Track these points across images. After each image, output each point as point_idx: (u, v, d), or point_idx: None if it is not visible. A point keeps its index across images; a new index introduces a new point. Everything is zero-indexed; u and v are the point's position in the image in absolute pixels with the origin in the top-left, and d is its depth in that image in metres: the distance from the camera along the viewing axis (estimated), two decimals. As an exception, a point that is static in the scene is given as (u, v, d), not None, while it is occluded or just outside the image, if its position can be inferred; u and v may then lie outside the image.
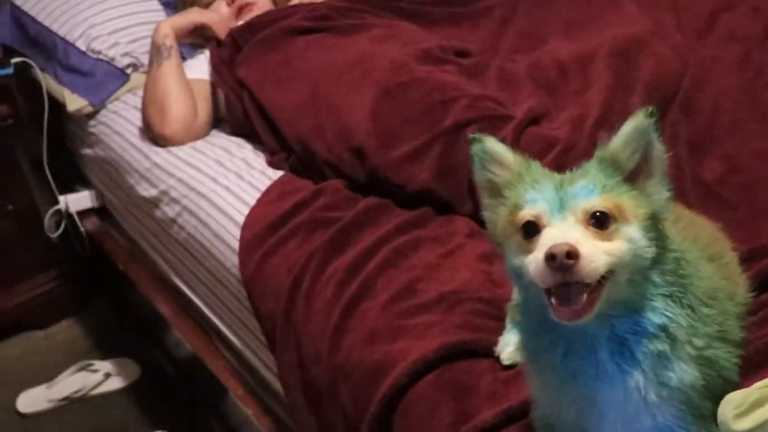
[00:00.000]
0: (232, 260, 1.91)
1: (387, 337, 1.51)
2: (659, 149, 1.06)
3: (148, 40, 2.46)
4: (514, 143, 1.74)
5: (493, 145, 1.11)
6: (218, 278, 2.01)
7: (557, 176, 1.06)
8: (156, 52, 2.37)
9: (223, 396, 2.26)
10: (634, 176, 1.06)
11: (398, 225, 1.76)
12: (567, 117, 1.86)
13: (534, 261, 1.00)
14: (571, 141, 1.75)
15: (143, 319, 2.79)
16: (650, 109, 1.04)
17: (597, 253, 0.99)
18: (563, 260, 0.96)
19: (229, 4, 2.55)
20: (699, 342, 1.08)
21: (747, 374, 1.17)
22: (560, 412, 1.14)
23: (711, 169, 1.72)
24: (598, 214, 1.01)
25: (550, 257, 0.97)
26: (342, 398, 1.52)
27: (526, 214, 1.03)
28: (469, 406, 1.34)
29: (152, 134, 2.35)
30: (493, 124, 1.80)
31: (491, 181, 1.11)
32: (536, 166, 1.09)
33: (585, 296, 0.99)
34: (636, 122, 1.05)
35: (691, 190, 1.67)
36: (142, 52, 2.60)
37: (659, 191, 1.07)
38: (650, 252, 1.03)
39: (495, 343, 1.42)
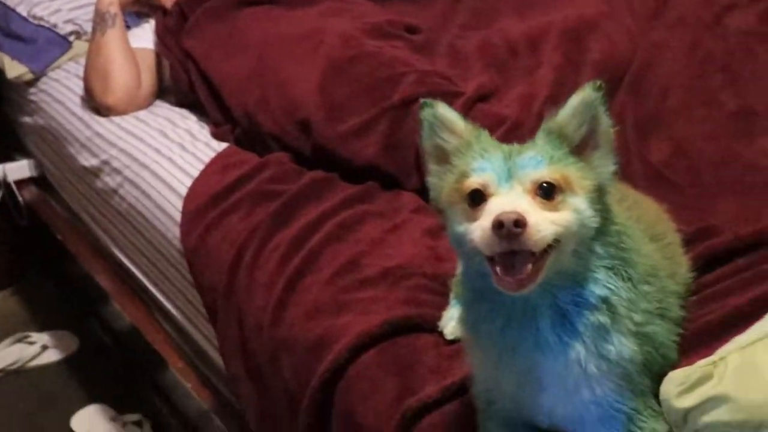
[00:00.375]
0: (174, 232, 1.88)
1: (330, 312, 1.49)
2: (606, 122, 1.07)
3: (92, 8, 2.41)
4: None
5: (444, 111, 1.11)
6: (159, 250, 1.98)
7: (506, 147, 1.06)
8: (100, 20, 2.32)
9: (163, 369, 2.23)
10: (580, 148, 1.06)
11: (344, 199, 1.74)
12: (516, 95, 1.86)
13: (480, 228, 0.99)
14: (519, 119, 1.75)
15: (82, 291, 2.75)
16: (598, 83, 1.05)
17: (544, 223, 0.99)
18: (511, 228, 0.96)
19: None
20: (638, 317, 1.09)
21: (688, 353, 1.19)
22: (500, 384, 1.14)
23: (658, 151, 1.74)
24: (545, 184, 1.01)
25: (498, 225, 0.97)
26: (284, 372, 1.51)
27: (474, 182, 1.03)
28: (412, 382, 1.34)
29: (94, 103, 2.30)
30: (442, 100, 1.79)
31: (440, 147, 1.10)
32: (485, 135, 1.09)
33: (530, 266, 0.99)
34: (583, 95, 1.05)
35: (638, 171, 1.68)
36: (85, 19, 2.55)
37: (605, 164, 1.07)
38: (595, 222, 1.04)
39: (439, 318, 1.42)
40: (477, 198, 1.02)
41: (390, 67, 1.90)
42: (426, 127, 1.11)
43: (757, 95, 1.83)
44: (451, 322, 1.39)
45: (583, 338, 1.06)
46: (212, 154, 2.01)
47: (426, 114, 1.11)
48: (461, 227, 1.04)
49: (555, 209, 1.01)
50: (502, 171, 1.02)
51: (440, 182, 1.10)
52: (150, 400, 2.43)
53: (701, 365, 1.08)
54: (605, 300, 1.07)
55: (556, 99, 1.72)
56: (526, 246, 0.98)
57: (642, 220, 1.24)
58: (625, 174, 1.45)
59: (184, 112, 2.25)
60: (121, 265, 2.24)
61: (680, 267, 1.29)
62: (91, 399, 2.43)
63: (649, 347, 1.11)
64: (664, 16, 2.17)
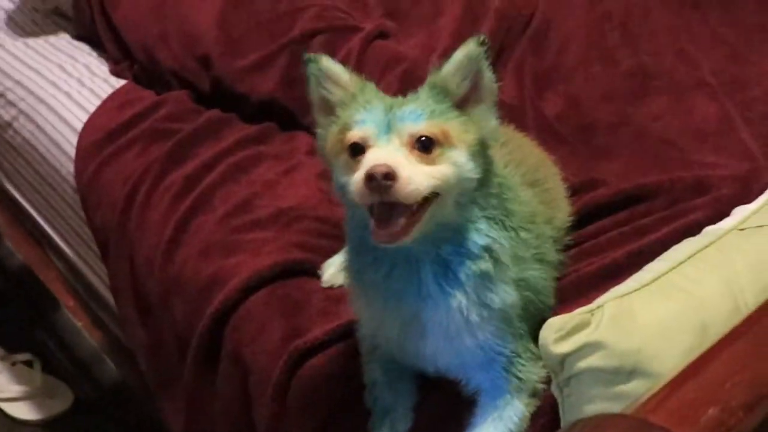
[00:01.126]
0: (68, 168, 1.85)
1: (221, 252, 1.49)
2: (489, 77, 1.08)
3: None
4: (360, 55, 1.75)
5: (329, 64, 1.11)
6: (53, 186, 1.94)
7: (389, 99, 1.07)
8: None
9: (55, 308, 2.20)
10: (463, 102, 1.08)
11: (239, 139, 1.73)
12: (416, 42, 1.87)
13: (355, 180, 1.01)
14: (417, 62, 1.76)
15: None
16: (482, 37, 1.06)
17: (418, 176, 1.00)
18: (381, 181, 0.98)
19: None
20: (518, 265, 1.12)
21: (566, 302, 1.23)
22: (384, 330, 1.17)
23: (553, 105, 1.76)
24: (423, 138, 1.03)
25: (369, 177, 0.99)
26: (174, 312, 1.51)
27: (354, 134, 1.04)
28: (299, 323, 1.36)
29: None
30: (341, 35, 1.80)
31: (325, 99, 1.12)
32: (371, 87, 1.10)
33: (403, 219, 1.01)
34: (467, 50, 1.07)
35: (531, 124, 1.70)
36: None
37: (488, 118, 1.09)
38: (475, 175, 1.06)
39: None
40: (357, 150, 1.04)
41: (290, 1, 1.88)
42: (312, 80, 1.12)
43: (651, 55, 1.88)
44: (329, 269, 1.41)
45: (465, 287, 1.10)
46: (110, 91, 1.96)
47: (311, 68, 1.12)
48: (343, 178, 1.06)
49: (433, 162, 1.03)
50: (382, 124, 1.03)
51: (325, 134, 1.11)
52: (41, 340, 2.39)
53: (579, 313, 1.11)
54: (487, 249, 1.09)
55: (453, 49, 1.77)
56: (397, 198, 1.00)
57: (523, 163, 1.27)
58: (519, 125, 1.49)
59: (84, 46, 2.18)
60: (13, 201, 2.18)
61: (559, 212, 1.33)
62: (-20, 337, 2.39)
63: (528, 292, 1.15)
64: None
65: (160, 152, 1.72)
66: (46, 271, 2.10)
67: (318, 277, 1.42)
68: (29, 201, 2.10)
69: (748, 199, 1.34)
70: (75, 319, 1.98)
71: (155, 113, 1.83)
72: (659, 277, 1.15)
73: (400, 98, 1.08)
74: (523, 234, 1.14)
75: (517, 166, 1.24)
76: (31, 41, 2.21)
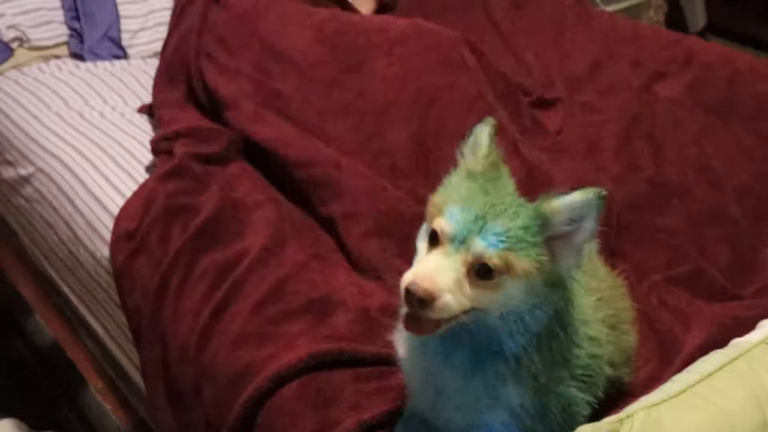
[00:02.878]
0: (103, 251, 1.88)
1: (254, 342, 1.51)
2: (592, 227, 1.07)
3: (39, 13, 2.40)
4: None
5: (481, 132, 1.13)
6: (87, 268, 1.98)
7: (492, 201, 1.07)
8: None
9: (82, 387, 2.21)
10: (555, 238, 1.08)
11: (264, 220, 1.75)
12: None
13: (404, 277, 1.04)
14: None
15: (2, 302, 2.70)
16: (604, 192, 1.05)
17: (454, 302, 1.04)
18: (414, 301, 1.02)
19: None
20: (544, 379, 1.14)
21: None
22: (415, 402, 1.23)
23: None
24: (484, 265, 1.04)
25: (407, 291, 1.02)
26: (204, 400, 1.52)
27: (439, 222, 1.07)
28: (330, 417, 1.37)
29: None
30: None
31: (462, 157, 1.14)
32: (494, 176, 1.10)
33: (434, 323, 1.06)
34: (586, 198, 1.05)
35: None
36: (28, 25, 2.54)
37: (570, 259, 1.09)
38: (527, 307, 1.08)
39: (361, 352, 1.45)
40: (434, 238, 1.07)
41: None
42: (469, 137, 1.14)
43: (675, 166, 1.93)
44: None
45: (486, 376, 1.13)
46: (146, 175, 2.00)
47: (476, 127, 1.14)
48: (418, 243, 1.10)
49: (486, 288, 1.05)
50: (463, 230, 1.05)
51: (442, 186, 1.13)
52: (66, 418, 2.40)
53: (609, 421, 1.14)
54: (516, 357, 1.12)
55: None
56: (427, 315, 1.04)
57: (597, 294, 1.27)
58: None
59: (127, 125, 2.22)
60: (47, 279, 2.22)
61: (626, 337, 1.33)
62: (5, 413, 2.40)
63: (555, 402, 1.17)
64: (594, 82, 2.26)
65: (185, 237, 1.73)
66: (75, 350, 2.13)
67: (350, 368, 1.44)
68: (63, 279, 2.14)
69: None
70: (103, 401, 1.99)
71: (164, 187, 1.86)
72: (687, 389, 1.18)
73: (506, 203, 1.07)
74: (571, 352, 1.16)
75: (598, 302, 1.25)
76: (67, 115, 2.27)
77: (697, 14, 3.79)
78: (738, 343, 1.29)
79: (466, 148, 1.13)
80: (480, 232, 1.04)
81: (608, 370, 1.26)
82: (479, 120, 1.14)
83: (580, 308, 1.19)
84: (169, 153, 1.97)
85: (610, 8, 3.46)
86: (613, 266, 1.44)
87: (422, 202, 1.15)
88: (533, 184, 1.65)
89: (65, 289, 2.13)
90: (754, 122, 2.08)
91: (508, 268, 1.05)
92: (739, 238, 1.75)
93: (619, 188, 1.85)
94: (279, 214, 1.77)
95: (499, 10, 2.64)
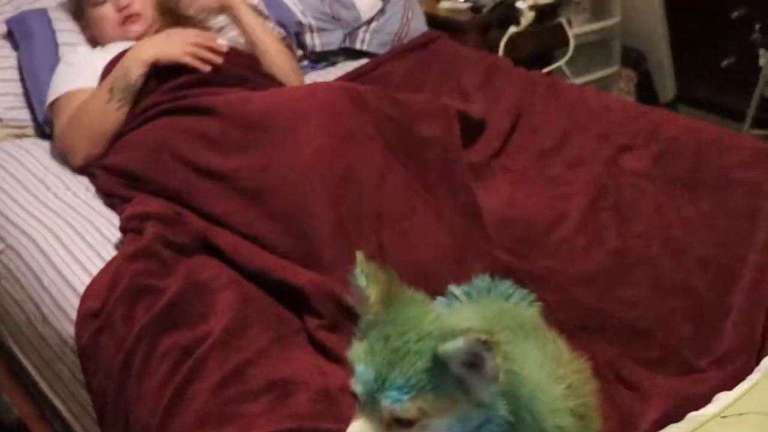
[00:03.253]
0: (69, 330, 1.86)
1: (216, 423, 1.50)
2: (492, 367, 1.05)
3: (8, 97, 2.48)
4: None
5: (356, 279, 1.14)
6: (52, 347, 1.96)
7: (390, 348, 1.08)
8: (123, 86, 2.32)
9: (48, 468, 2.18)
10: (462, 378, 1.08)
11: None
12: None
13: None
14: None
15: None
16: (484, 337, 1.04)
17: None
18: None
19: (117, 11, 2.53)
20: None
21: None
22: None
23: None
24: (399, 419, 1.07)
25: None
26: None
27: (351, 386, 1.11)
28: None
29: (64, 153, 2.37)
30: None
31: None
32: (385, 317, 1.11)
33: None
34: (469, 346, 1.04)
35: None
36: (2, 108, 2.59)
37: (486, 390, 1.08)
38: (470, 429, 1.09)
39: (321, 431, 1.45)
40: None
41: None
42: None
43: (638, 238, 1.94)
44: None
45: None
46: (114, 253, 1.99)
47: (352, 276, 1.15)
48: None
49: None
50: (369, 394, 1.08)
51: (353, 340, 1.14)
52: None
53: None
54: None
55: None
56: None
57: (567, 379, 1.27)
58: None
59: (97, 203, 2.23)
60: (14, 357, 2.20)
61: (593, 426, 1.31)
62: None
63: None
64: (563, 154, 2.29)
65: (149, 316, 1.73)
66: (41, 429, 2.09)
67: None
68: (28, 358, 2.11)
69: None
70: (68, 482, 1.96)
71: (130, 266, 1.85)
72: (643, 466, 1.17)
73: (408, 344, 1.08)
74: None
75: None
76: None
77: (666, 85, 3.85)
78: (694, 417, 1.29)
79: (353, 301, 1.15)
80: (383, 390, 1.06)
81: None
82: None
83: (549, 397, 1.19)
84: (137, 232, 1.98)
85: (581, 80, 3.52)
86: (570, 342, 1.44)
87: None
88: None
89: (30, 368, 2.11)
90: (720, 192, 2.10)
91: (424, 413, 1.06)
92: (702, 309, 1.76)
93: (582, 261, 1.86)
94: (242, 297, 1.78)
95: (470, 84, 2.68)
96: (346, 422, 1.32)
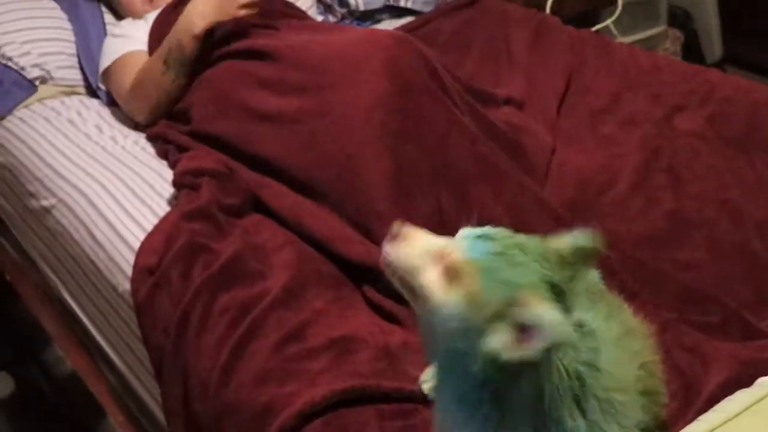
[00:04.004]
0: (125, 286, 1.88)
1: (276, 380, 1.51)
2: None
3: (60, 56, 2.49)
4: None
5: None
6: (109, 301, 1.98)
7: None
8: (179, 59, 2.30)
9: (101, 420, 2.21)
10: None
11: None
12: None
13: None
14: None
15: (21, 331, 2.71)
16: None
17: None
18: None
19: None
20: None
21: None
22: None
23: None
24: None
25: None
26: (226, 436, 1.52)
27: None
28: (353, 455, 1.37)
29: (126, 110, 2.41)
30: None
31: None
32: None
33: None
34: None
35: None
36: (54, 66, 2.60)
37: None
38: None
39: (384, 388, 1.45)
40: None
41: None
42: None
43: (694, 199, 1.92)
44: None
45: None
46: (166, 208, 2.00)
47: None
48: None
49: None
50: None
51: None
52: (84, 452, 2.41)
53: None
54: None
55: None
56: None
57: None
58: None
59: (147, 157, 2.24)
60: (67, 310, 2.22)
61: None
62: (23, 443, 2.41)
63: None
64: (614, 114, 2.27)
65: (206, 274, 1.74)
66: (95, 382, 2.12)
67: (373, 405, 1.44)
68: (83, 310, 2.14)
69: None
70: (122, 433, 1.99)
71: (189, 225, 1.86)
72: (714, 429, 1.17)
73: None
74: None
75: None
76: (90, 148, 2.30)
77: (714, 45, 3.79)
78: (763, 381, 1.28)
79: None
80: None
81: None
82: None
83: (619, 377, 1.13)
84: (192, 188, 1.98)
85: (627, 39, 3.47)
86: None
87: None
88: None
89: (85, 320, 2.14)
90: (774, 155, 2.07)
91: None
92: (762, 273, 1.74)
93: (638, 222, 1.85)
94: (299, 257, 1.78)
95: (519, 43, 2.65)
96: (409, 380, 1.34)
